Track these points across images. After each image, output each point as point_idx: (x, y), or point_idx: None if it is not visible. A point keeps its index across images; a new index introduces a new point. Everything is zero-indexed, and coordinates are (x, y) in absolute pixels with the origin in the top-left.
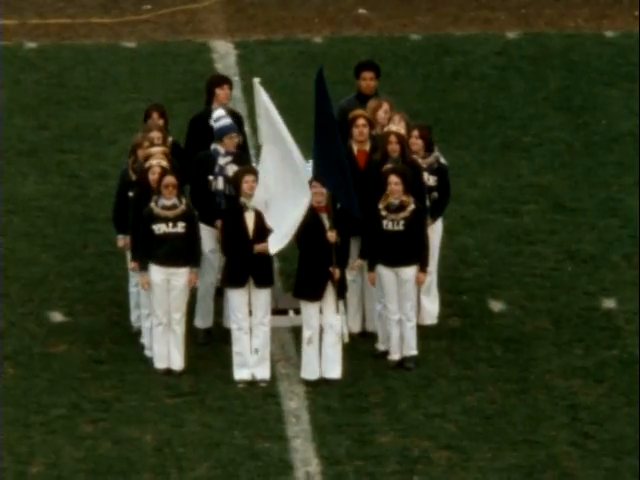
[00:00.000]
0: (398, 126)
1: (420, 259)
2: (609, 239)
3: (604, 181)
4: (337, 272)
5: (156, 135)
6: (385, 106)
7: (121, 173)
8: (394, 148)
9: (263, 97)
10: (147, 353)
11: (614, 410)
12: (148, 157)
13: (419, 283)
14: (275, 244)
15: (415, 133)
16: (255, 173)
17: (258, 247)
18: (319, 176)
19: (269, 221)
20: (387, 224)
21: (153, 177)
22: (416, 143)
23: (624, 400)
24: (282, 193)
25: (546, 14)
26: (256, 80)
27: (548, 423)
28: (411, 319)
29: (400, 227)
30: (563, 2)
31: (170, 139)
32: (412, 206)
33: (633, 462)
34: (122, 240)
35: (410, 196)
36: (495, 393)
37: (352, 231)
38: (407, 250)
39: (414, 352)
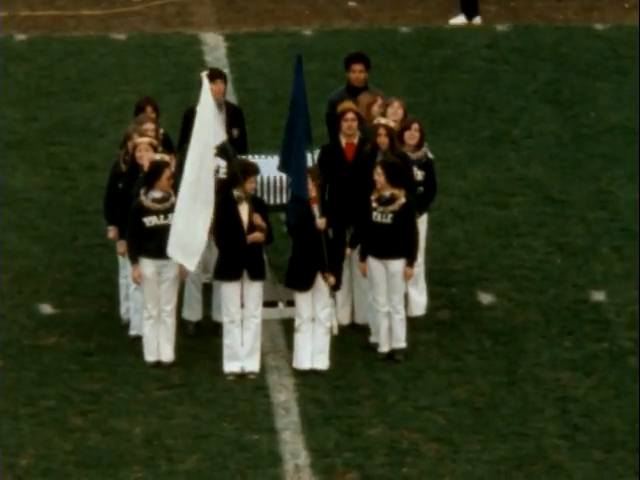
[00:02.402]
0: (396, 112)
1: (408, 253)
2: (598, 232)
3: (593, 174)
4: (331, 279)
5: (150, 127)
6: (380, 101)
7: (112, 165)
8: (383, 140)
9: (207, 93)
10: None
11: (603, 403)
12: (134, 148)
13: (406, 277)
14: (190, 261)
15: (415, 126)
16: (259, 172)
17: (251, 237)
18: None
19: (175, 226)
20: (376, 216)
21: (139, 154)
22: (415, 136)
23: (613, 393)
24: (190, 201)
25: (536, 7)
26: (203, 74)
27: (537, 415)
28: (399, 312)
29: (388, 220)
30: None
31: (161, 131)
32: (402, 200)
33: (622, 455)
34: (112, 231)
35: (402, 190)
36: (484, 385)
37: (345, 224)
38: (395, 243)
39: (403, 345)
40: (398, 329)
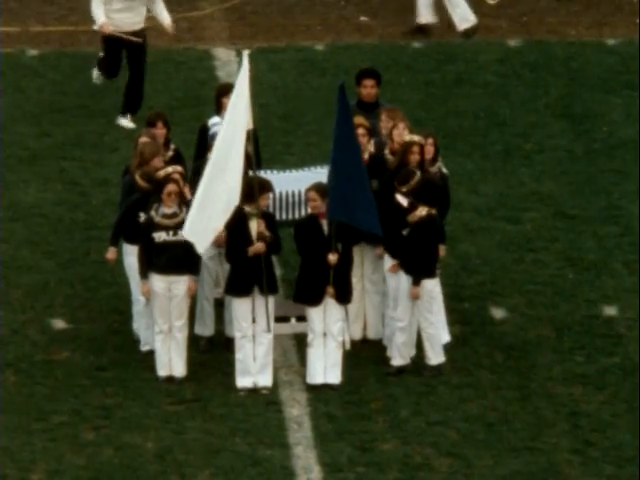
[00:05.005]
0: (401, 133)
1: (412, 270)
2: (610, 246)
3: (605, 188)
4: (330, 291)
5: (143, 140)
6: (401, 125)
7: (126, 181)
8: (416, 158)
9: (244, 80)
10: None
11: (615, 417)
12: (166, 176)
13: (411, 296)
14: (201, 244)
15: (430, 140)
16: (272, 190)
17: (252, 248)
18: (334, 209)
19: (195, 209)
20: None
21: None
22: (430, 150)
23: (625, 407)
24: (215, 182)
25: (547, 22)
26: (246, 52)
27: (549, 430)
28: (400, 328)
29: (405, 232)
30: (564, 10)
31: (173, 146)
32: (421, 214)
33: (634, 470)
34: (112, 253)
35: (426, 206)
36: (496, 400)
37: (354, 239)
38: (408, 258)
39: (395, 362)
40: (395, 343)
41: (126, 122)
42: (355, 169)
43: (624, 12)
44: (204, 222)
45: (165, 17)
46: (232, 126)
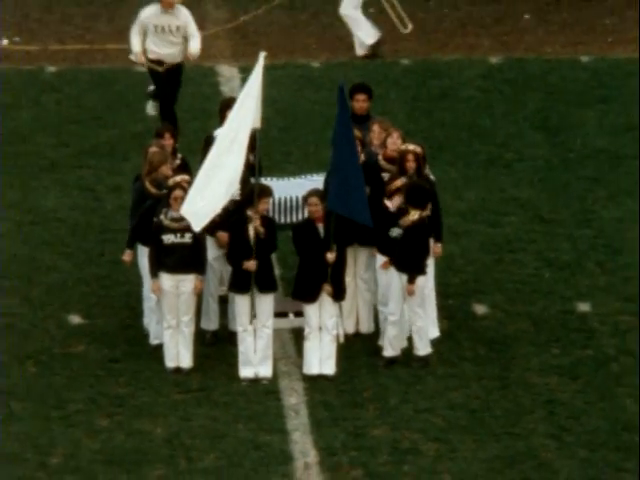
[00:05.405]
0: (395, 142)
1: (408, 269)
2: (584, 248)
3: (579, 194)
4: (328, 288)
5: (152, 149)
6: (395, 134)
7: (136, 187)
8: (411, 165)
9: (258, 77)
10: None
11: (588, 405)
12: (176, 184)
13: (408, 293)
14: (197, 222)
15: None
16: (272, 195)
17: (245, 265)
18: (332, 201)
19: (195, 188)
20: (392, 230)
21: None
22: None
23: (597, 396)
24: (217, 168)
25: (526, 40)
26: (262, 54)
27: (527, 417)
28: (391, 322)
29: (395, 234)
30: (542, 29)
31: (180, 155)
32: (414, 217)
33: (605, 453)
34: (128, 255)
35: (418, 210)
36: (479, 390)
37: (348, 241)
38: (401, 258)
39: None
40: (387, 336)
41: (150, 106)
42: (351, 163)
43: (597, 32)
44: (203, 202)
45: (194, 45)
46: (240, 116)
